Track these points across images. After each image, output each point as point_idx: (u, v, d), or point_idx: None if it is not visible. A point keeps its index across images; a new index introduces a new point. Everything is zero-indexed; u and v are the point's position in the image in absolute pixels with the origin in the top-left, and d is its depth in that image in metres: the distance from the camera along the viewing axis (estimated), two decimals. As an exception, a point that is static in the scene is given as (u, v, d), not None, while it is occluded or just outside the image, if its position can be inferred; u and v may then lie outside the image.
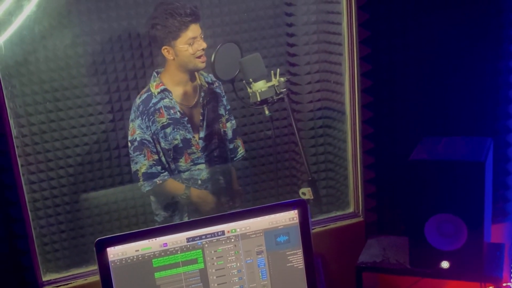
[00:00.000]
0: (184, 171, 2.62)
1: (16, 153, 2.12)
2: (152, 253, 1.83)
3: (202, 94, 2.61)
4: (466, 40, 2.39)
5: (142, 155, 2.53)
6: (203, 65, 2.52)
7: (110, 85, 2.79)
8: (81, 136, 2.79)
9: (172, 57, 2.49)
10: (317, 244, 2.02)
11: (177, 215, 2.69)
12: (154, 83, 2.55)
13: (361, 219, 2.49)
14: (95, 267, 1.83)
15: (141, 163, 2.54)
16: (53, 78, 2.70)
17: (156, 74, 2.57)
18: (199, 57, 2.49)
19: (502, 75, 2.42)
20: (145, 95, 2.54)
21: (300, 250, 1.94)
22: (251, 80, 2.17)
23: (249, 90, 2.19)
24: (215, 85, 2.68)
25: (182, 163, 2.60)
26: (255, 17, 2.89)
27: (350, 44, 2.32)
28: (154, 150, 2.54)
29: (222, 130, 2.69)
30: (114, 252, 1.80)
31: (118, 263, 1.80)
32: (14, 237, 2.11)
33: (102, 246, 1.79)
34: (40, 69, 2.67)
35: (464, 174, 1.95)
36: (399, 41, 2.33)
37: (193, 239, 1.86)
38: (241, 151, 2.78)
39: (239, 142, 2.77)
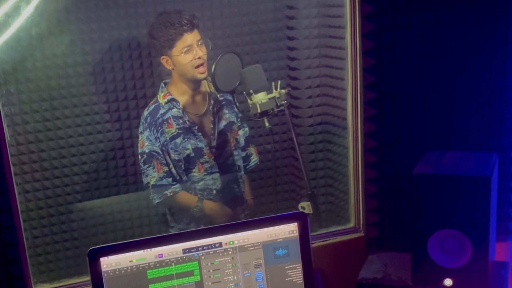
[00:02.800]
0: (198, 182, 2.59)
1: (10, 160, 2.08)
2: (147, 264, 1.78)
3: (212, 101, 2.59)
4: (470, 57, 2.36)
5: (152, 167, 2.52)
6: (202, 76, 2.49)
7: (109, 95, 2.76)
8: (77, 146, 2.75)
9: (171, 67, 2.49)
10: (316, 259, 1.98)
11: (193, 228, 2.65)
12: (162, 94, 2.54)
13: (361, 234, 2.44)
14: (87, 278, 1.78)
15: (151, 175, 2.52)
16: (50, 86, 2.67)
17: (163, 85, 2.56)
18: (197, 67, 2.47)
19: (509, 90, 2.38)
20: (153, 106, 2.54)
21: (299, 264, 1.91)
22: (251, 91, 2.15)
23: (249, 101, 2.17)
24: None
25: (196, 173, 2.58)
26: (256, 30, 2.88)
27: (353, 55, 2.29)
28: (164, 161, 2.53)
29: (234, 137, 2.66)
30: (108, 262, 1.75)
31: (111, 273, 1.75)
32: (5, 245, 2.06)
33: (95, 256, 1.74)
34: (38, 77, 2.64)
35: (469, 189, 1.90)
36: (404, 52, 2.30)
37: (189, 250, 1.82)
38: (254, 159, 2.74)
39: (252, 149, 2.74)
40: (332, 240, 2.43)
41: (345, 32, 2.33)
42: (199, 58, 2.46)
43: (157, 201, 2.55)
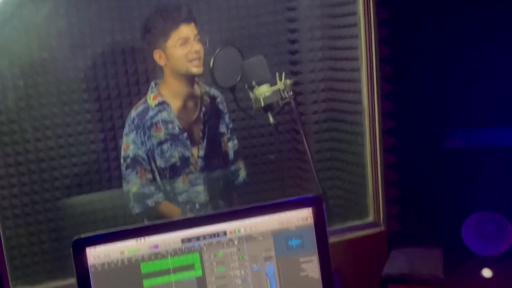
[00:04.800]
0: (181, 193, 2.45)
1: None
2: (141, 256, 1.56)
3: (203, 109, 2.48)
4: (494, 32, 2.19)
5: (135, 173, 2.38)
6: (197, 70, 2.38)
7: (102, 102, 2.70)
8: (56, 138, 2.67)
9: (164, 62, 2.38)
10: (332, 257, 1.79)
11: None
12: (152, 95, 2.42)
13: (382, 228, 2.28)
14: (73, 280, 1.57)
15: (133, 182, 2.38)
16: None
17: (154, 85, 2.44)
18: (192, 60, 2.35)
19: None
20: (141, 107, 2.41)
21: (315, 256, 1.68)
22: (254, 83, 2.06)
23: (251, 95, 2.08)
24: (217, 101, 2.55)
25: (180, 184, 2.44)
26: (255, 23, 2.84)
27: (367, 25, 2.12)
28: (149, 168, 2.39)
29: (223, 149, 2.55)
30: (95, 254, 1.53)
31: (99, 267, 1.53)
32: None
33: (80, 247, 1.51)
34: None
35: (509, 162, 1.70)
36: (423, 20, 2.13)
37: (189, 240, 1.59)
38: (242, 174, 2.63)
39: (240, 164, 2.63)
40: (350, 235, 2.27)
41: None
42: (195, 52, 2.36)
43: (137, 211, 2.40)
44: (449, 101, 2.18)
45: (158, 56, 2.37)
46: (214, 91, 2.54)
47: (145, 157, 2.38)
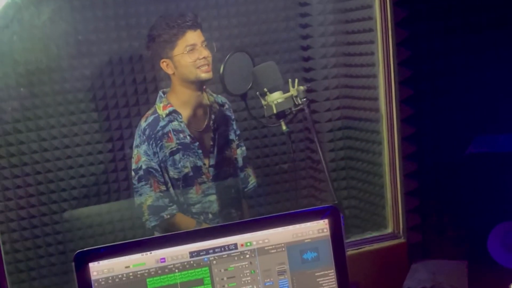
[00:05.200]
0: (194, 204, 2.39)
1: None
2: (147, 271, 1.49)
3: (213, 116, 2.43)
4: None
5: (148, 186, 2.32)
6: (206, 75, 2.32)
7: (110, 112, 2.66)
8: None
9: (172, 71, 2.33)
10: (349, 270, 1.70)
11: None
12: (161, 104, 2.36)
13: (402, 240, 2.16)
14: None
15: (147, 195, 2.31)
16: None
17: (162, 94, 2.39)
18: (200, 67, 2.30)
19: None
20: (152, 117, 2.35)
21: (332, 271, 1.60)
22: (265, 90, 1.99)
23: (263, 102, 2.01)
24: (225, 107, 2.49)
25: (193, 195, 2.39)
26: (266, 30, 2.79)
27: (383, 27, 2.03)
28: (162, 180, 2.34)
29: (233, 157, 2.49)
30: (98, 269, 1.46)
31: (103, 282, 1.46)
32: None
33: (82, 261, 1.45)
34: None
35: (537, 168, 1.61)
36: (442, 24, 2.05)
37: (198, 253, 1.52)
38: (252, 181, 2.57)
39: (250, 171, 2.57)
40: (368, 247, 2.16)
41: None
42: (204, 58, 2.30)
43: (153, 224, 2.34)
44: (471, 105, 2.10)
45: (165, 65, 2.32)
46: (221, 98, 2.49)
47: (158, 168, 2.33)
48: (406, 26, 2.04)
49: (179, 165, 2.35)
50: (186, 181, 2.37)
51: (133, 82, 2.68)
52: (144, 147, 2.32)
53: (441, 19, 2.09)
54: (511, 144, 1.80)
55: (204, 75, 2.31)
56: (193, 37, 2.30)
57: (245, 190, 2.55)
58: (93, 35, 2.58)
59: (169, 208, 2.34)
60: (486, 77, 2.12)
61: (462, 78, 2.10)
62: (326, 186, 2.77)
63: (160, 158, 2.33)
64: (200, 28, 2.33)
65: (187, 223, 2.38)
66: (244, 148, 2.56)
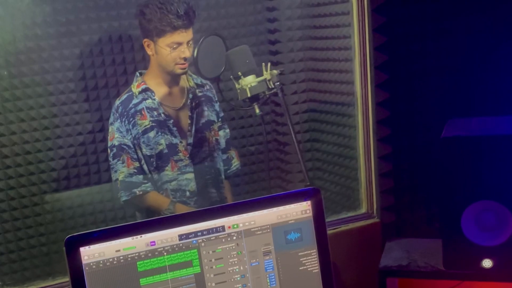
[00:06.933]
0: (170, 181, 2.41)
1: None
2: (137, 254, 1.51)
3: (191, 95, 2.44)
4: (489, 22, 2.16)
5: (121, 162, 2.33)
6: (182, 71, 2.35)
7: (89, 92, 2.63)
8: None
9: (151, 53, 2.33)
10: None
11: None
12: (136, 83, 2.38)
13: (376, 220, 2.22)
14: (63, 279, 1.52)
15: (120, 171, 2.33)
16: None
17: (138, 75, 2.41)
18: (179, 64, 2.31)
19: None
20: (125, 95, 2.37)
21: (314, 250, 1.65)
22: (240, 73, 2.03)
23: (237, 86, 2.05)
24: (205, 88, 2.50)
25: (168, 172, 2.40)
26: (234, 13, 2.79)
27: (360, 13, 2.06)
28: (135, 156, 2.35)
29: (214, 138, 2.50)
30: (89, 253, 1.48)
31: (94, 266, 1.48)
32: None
33: (73, 245, 1.46)
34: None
35: (509, 151, 1.67)
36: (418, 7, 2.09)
37: (186, 236, 1.55)
38: (235, 163, 2.59)
39: (233, 153, 2.58)
40: (343, 227, 2.22)
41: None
42: (184, 59, 2.31)
43: (124, 199, 2.36)
44: (446, 90, 2.15)
45: (147, 45, 2.31)
46: (201, 79, 2.49)
47: (131, 145, 2.34)
48: (382, 12, 2.07)
49: (152, 142, 2.36)
50: (161, 158, 2.38)
51: (112, 63, 2.65)
52: (117, 124, 2.34)
53: (418, 3, 2.13)
54: (482, 128, 1.84)
55: (180, 71, 2.33)
56: (182, 36, 2.28)
57: (228, 172, 2.57)
58: (71, 15, 2.54)
59: (143, 185, 2.35)
60: (460, 61, 2.16)
61: (439, 62, 2.15)
62: (292, 168, 2.83)
63: (133, 135, 2.34)
64: (192, 25, 2.31)
65: (160, 201, 2.40)
66: (228, 130, 2.57)
